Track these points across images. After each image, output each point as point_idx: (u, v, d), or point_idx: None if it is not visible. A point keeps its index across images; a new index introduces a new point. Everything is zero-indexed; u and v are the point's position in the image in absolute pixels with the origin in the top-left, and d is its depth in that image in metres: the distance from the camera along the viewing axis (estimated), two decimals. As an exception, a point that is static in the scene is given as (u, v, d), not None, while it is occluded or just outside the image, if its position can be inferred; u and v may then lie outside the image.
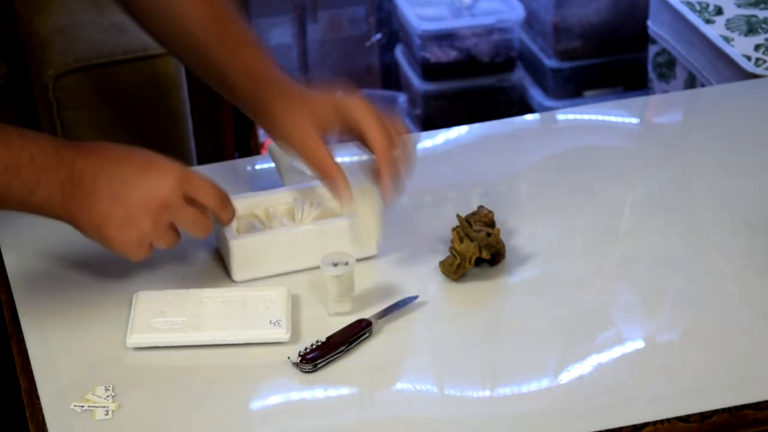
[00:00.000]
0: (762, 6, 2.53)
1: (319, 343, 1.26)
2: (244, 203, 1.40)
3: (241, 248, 1.35)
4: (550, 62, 2.99)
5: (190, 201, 1.29)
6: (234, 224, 1.36)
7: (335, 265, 1.30)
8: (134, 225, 1.27)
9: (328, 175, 1.36)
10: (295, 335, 1.29)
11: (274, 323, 1.28)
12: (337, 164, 1.36)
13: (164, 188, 1.27)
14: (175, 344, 1.27)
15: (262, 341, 1.27)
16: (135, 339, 1.27)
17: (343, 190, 1.35)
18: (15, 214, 1.31)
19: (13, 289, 1.37)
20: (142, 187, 1.27)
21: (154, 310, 1.30)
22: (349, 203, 1.35)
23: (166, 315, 1.29)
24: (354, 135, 1.38)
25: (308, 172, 1.48)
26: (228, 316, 1.29)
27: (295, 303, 1.33)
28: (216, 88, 1.47)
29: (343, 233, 1.36)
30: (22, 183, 1.25)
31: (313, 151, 1.37)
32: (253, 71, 1.43)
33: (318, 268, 1.32)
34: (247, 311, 1.29)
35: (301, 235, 1.37)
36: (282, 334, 1.27)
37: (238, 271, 1.36)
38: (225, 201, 1.32)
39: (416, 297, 1.33)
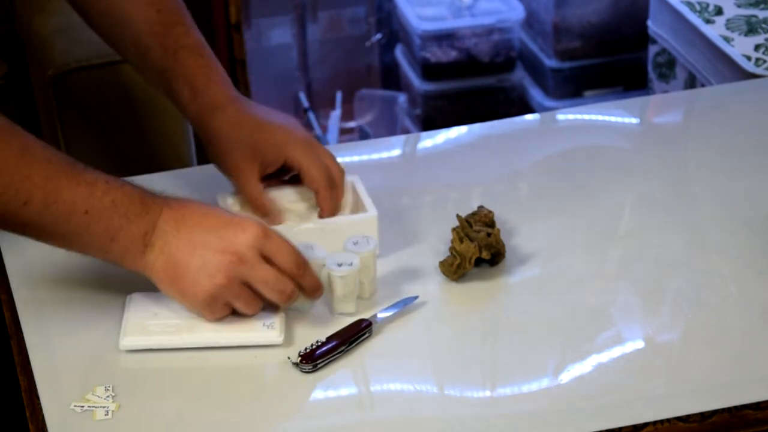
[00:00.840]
0: (762, 6, 2.53)
1: (319, 343, 1.26)
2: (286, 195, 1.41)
3: None
4: (550, 62, 2.99)
5: (268, 261, 1.26)
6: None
7: (340, 265, 1.30)
8: (207, 276, 1.24)
9: (261, 213, 1.38)
10: (295, 335, 1.29)
11: (268, 326, 1.28)
12: (267, 203, 1.38)
13: (242, 242, 1.24)
14: (169, 347, 1.27)
15: (255, 344, 1.27)
16: (128, 341, 1.27)
17: (274, 222, 1.37)
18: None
19: (13, 289, 1.37)
20: (221, 238, 1.24)
21: (147, 312, 1.30)
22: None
23: (159, 317, 1.29)
24: (293, 170, 1.40)
25: None
26: (221, 318, 1.29)
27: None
28: (164, 94, 1.45)
29: (345, 231, 1.36)
30: (102, 228, 1.23)
31: (247, 187, 1.38)
32: (193, 82, 1.41)
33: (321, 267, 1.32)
34: (241, 314, 1.29)
35: (304, 235, 1.37)
36: (275, 336, 1.27)
37: None
38: (303, 266, 1.27)
39: (416, 297, 1.33)
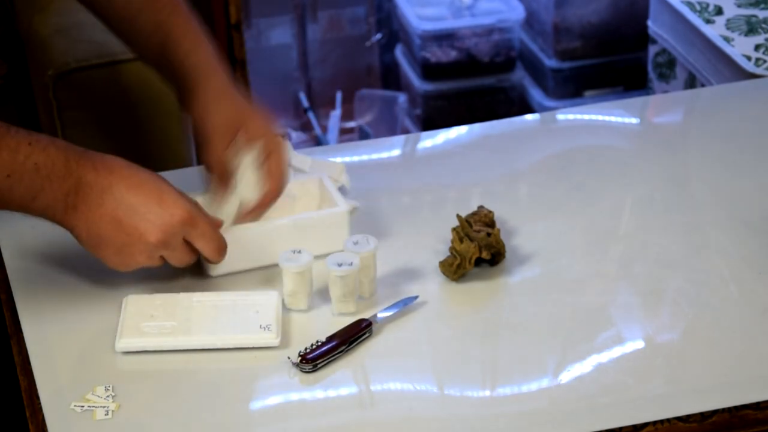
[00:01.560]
0: (762, 6, 2.53)
1: (319, 343, 1.26)
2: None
3: None
4: (550, 62, 2.99)
5: (188, 243, 1.31)
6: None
7: (340, 265, 1.30)
8: (130, 254, 1.29)
9: (218, 178, 1.39)
10: (295, 335, 1.29)
11: (264, 328, 1.28)
12: (227, 173, 1.38)
13: (168, 227, 1.28)
14: (165, 348, 1.27)
15: (251, 346, 1.27)
16: (124, 343, 1.27)
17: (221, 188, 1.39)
18: (15, 215, 1.31)
19: (13, 289, 1.37)
20: (147, 220, 1.28)
21: (143, 314, 1.30)
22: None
23: (155, 319, 1.29)
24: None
25: (307, 169, 1.48)
26: (218, 320, 1.29)
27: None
28: (152, 52, 1.46)
29: (317, 227, 1.37)
30: (24, 188, 1.26)
31: (216, 151, 1.38)
32: (194, 36, 1.43)
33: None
34: (237, 315, 1.29)
35: (276, 230, 1.37)
36: (272, 338, 1.27)
37: (212, 266, 1.36)
38: (222, 253, 1.33)
39: (416, 297, 1.33)
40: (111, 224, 1.28)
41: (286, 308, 1.32)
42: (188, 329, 1.28)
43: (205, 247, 1.31)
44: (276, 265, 1.34)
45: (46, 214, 1.29)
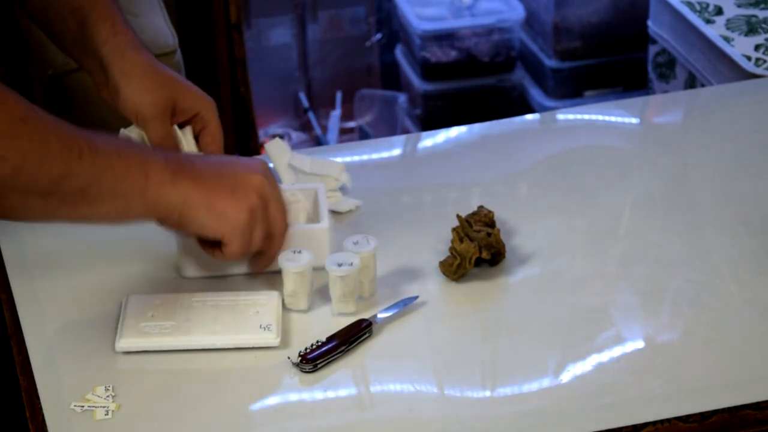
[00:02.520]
0: (762, 6, 2.53)
1: (319, 343, 1.26)
2: None
3: (188, 245, 1.36)
4: (550, 62, 2.99)
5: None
6: None
7: (340, 265, 1.30)
8: (244, 195, 1.26)
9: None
10: (295, 335, 1.29)
11: (264, 327, 1.28)
12: (175, 146, 1.39)
13: (257, 174, 1.28)
14: (165, 348, 1.27)
15: (252, 346, 1.27)
16: (124, 343, 1.27)
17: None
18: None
19: (13, 289, 1.37)
20: (240, 164, 1.28)
21: (143, 314, 1.30)
22: None
23: (155, 319, 1.29)
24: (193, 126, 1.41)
25: (306, 169, 1.48)
26: (218, 320, 1.29)
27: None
28: (71, 33, 1.43)
29: (296, 241, 1.35)
30: (137, 163, 1.22)
31: (159, 127, 1.38)
32: (114, 20, 1.41)
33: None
34: (237, 315, 1.29)
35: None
36: (272, 338, 1.27)
37: (185, 268, 1.36)
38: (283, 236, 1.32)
39: (416, 297, 1.33)
40: (212, 175, 1.26)
41: (286, 308, 1.32)
42: (188, 329, 1.28)
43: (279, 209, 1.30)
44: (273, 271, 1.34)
45: (161, 192, 1.23)
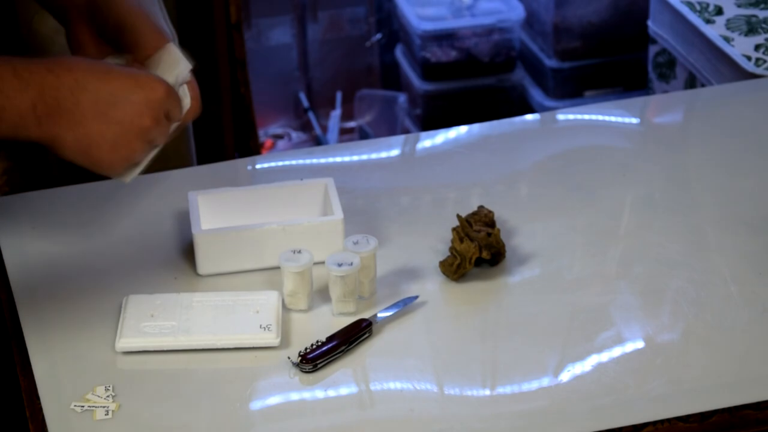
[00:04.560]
0: (762, 6, 2.53)
1: (319, 343, 1.26)
2: None
3: (205, 241, 1.36)
4: (550, 62, 2.99)
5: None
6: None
7: (340, 265, 1.30)
8: (127, 146, 1.21)
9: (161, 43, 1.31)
10: (295, 335, 1.29)
11: (264, 327, 1.28)
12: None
13: (155, 106, 1.21)
14: (165, 348, 1.27)
15: (252, 346, 1.27)
16: (124, 343, 1.27)
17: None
18: (16, 214, 1.31)
19: (13, 289, 1.37)
20: (134, 104, 1.21)
21: (143, 314, 1.30)
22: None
23: (155, 319, 1.29)
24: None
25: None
26: (218, 320, 1.29)
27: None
28: None
29: (309, 233, 1.36)
30: (18, 93, 1.18)
31: (85, 46, 1.33)
32: None
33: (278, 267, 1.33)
34: (237, 315, 1.29)
35: (266, 234, 1.37)
36: (272, 338, 1.27)
37: (201, 265, 1.36)
38: (199, 103, 1.29)
39: (416, 297, 1.33)
40: (96, 119, 1.20)
41: (286, 308, 1.32)
42: (188, 329, 1.28)
43: (179, 113, 1.25)
44: (275, 267, 1.34)
45: (18, 133, 1.19)
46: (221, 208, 1.41)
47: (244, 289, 1.34)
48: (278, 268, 1.33)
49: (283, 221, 1.38)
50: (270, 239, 1.37)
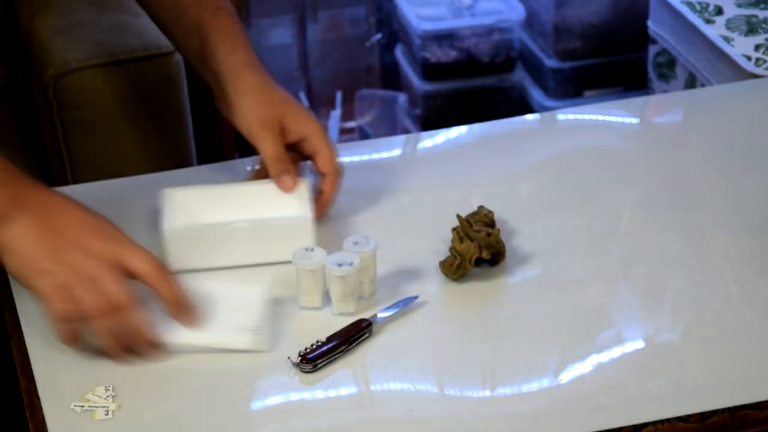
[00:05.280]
0: (762, 6, 2.53)
1: (319, 343, 1.26)
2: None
3: (173, 238, 1.36)
4: (550, 62, 2.99)
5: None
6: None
7: (340, 265, 1.30)
8: (54, 266, 1.24)
9: (278, 170, 1.41)
10: (295, 335, 1.29)
11: (251, 330, 1.27)
12: (287, 160, 1.42)
13: (96, 242, 1.25)
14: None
15: (234, 349, 1.26)
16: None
17: (290, 183, 1.42)
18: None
19: (13, 289, 1.37)
20: (78, 239, 1.25)
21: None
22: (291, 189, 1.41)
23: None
24: (300, 149, 1.45)
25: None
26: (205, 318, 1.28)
27: (295, 301, 1.33)
28: (192, 51, 1.50)
29: (277, 231, 1.37)
30: None
31: (270, 143, 1.42)
32: (233, 37, 1.47)
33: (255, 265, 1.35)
34: (223, 313, 1.28)
35: (234, 231, 1.37)
36: (258, 343, 1.27)
37: (172, 261, 1.36)
38: (163, 270, 1.26)
39: (416, 297, 1.33)
40: (37, 229, 1.24)
41: (299, 307, 1.32)
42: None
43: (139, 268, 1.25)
44: (246, 266, 1.35)
45: None
46: (197, 206, 1.41)
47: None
48: (249, 266, 1.35)
49: (253, 218, 1.38)
50: (238, 236, 1.37)
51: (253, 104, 1.43)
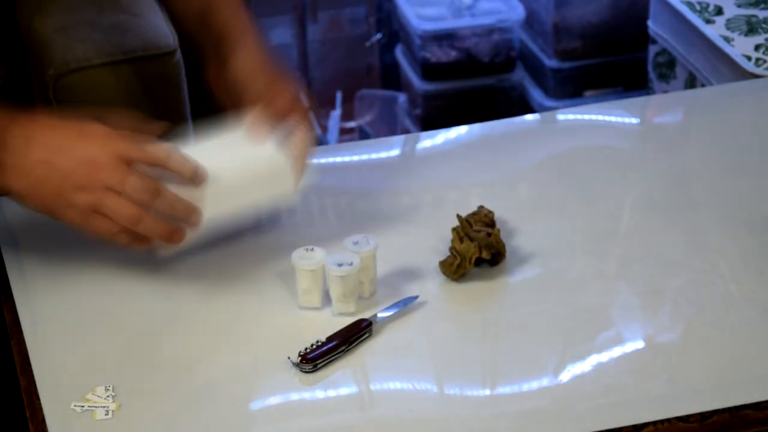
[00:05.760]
0: (762, 6, 2.53)
1: (319, 343, 1.26)
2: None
3: None
4: (550, 62, 2.99)
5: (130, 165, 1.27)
6: None
7: (340, 265, 1.30)
8: (71, 192, 1.26)
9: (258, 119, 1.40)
10: (295, 335, 1.29)
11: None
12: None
13: (100, 154, 1.26)
14: None
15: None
16: None
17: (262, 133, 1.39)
18: (15, 215, 1.31)
19: (13, 289, 1.37)
20: (77, 153, 1.26)
21: None
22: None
23: None
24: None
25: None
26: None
27: (295, 301, 1.33)
28: (198, 32, 1.50)
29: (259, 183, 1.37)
30: None
31: (258, 97, 1.41)
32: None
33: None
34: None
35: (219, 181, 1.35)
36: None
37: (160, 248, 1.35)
38: (172, 155, 1.30)
39: (416, 297, 1.33)
40: (42, 167, 1.26)
41: (299, 307, 1.32)
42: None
43: (147, 156, 1.29)
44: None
45: None
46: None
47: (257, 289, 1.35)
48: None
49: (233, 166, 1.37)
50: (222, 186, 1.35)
51: (246, 68, 1.42)
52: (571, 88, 3.01)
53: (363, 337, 1.28)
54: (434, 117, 3.01)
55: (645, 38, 2.74)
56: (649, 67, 2.73)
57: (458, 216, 1.38)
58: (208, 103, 2.23)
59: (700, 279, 1.36)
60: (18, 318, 1.33)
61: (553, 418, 1.19)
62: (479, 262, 1.36)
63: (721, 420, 1.18)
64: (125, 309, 1.33)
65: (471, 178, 1.55)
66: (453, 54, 2.99)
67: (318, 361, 1.24)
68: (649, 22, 2.70)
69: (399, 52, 3.12)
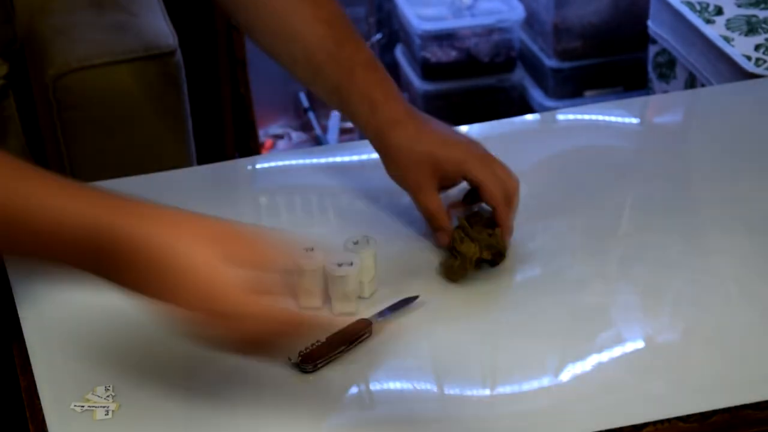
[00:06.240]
0: (762, 6, 2.53)
1: (319, 343, 1.26)
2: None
3: None
4: (550, 62, 2.99)
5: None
6: None
7: (340, 265, 1.30)
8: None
9: (437, 226, 1.39)
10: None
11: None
12: (445, 217, 1.39)
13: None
14: None
15: None
16: None
17: (445, 239, 1.38)
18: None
19: (13, 290, 1.37)
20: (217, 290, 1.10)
21: None
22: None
23: None
24: (470, 184, 1.40)
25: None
26: None
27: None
28: (338, 109, 1.46)
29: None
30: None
31: (428, 202, 1.39)
32: (371, 97, 1.40)
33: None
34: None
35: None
36: None
37: None
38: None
39: (416, 297, 1.33)
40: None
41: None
42: None
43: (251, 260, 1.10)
44: None
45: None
46: None
47: None
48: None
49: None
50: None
51: (401, 167, 1.39)
52: (571, 88, 3.01)
53: (363, 337, 1.28)
54: (434, 117, 3.00)
55: (645, 38, 2.74)
56: (649, 67, 2.73)
57: (459, 216, 1.38)
58: (208, 102, 2.23)
59: (700, 279, 1.36)
60: (18, 318, 1.33)
61: (553, 418, 1.19)
62: (480, 262, 1.36)
63: (721, 420, 1.18)
64: (125, 309, 1.33)
65: (471, 178, 1.55)
66: (453, 54, 2.99)
67: (318, 361, 1.24)
68: (649, 22, 2.70)
69: (399, 52, 3.12)
